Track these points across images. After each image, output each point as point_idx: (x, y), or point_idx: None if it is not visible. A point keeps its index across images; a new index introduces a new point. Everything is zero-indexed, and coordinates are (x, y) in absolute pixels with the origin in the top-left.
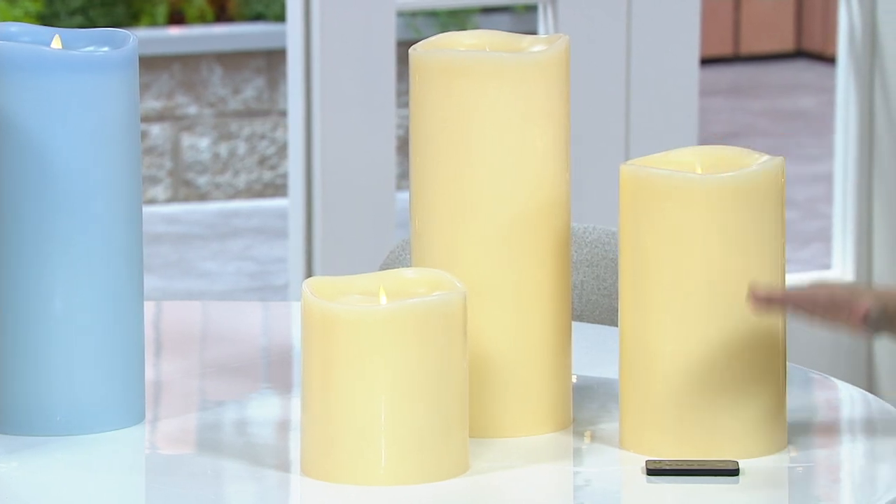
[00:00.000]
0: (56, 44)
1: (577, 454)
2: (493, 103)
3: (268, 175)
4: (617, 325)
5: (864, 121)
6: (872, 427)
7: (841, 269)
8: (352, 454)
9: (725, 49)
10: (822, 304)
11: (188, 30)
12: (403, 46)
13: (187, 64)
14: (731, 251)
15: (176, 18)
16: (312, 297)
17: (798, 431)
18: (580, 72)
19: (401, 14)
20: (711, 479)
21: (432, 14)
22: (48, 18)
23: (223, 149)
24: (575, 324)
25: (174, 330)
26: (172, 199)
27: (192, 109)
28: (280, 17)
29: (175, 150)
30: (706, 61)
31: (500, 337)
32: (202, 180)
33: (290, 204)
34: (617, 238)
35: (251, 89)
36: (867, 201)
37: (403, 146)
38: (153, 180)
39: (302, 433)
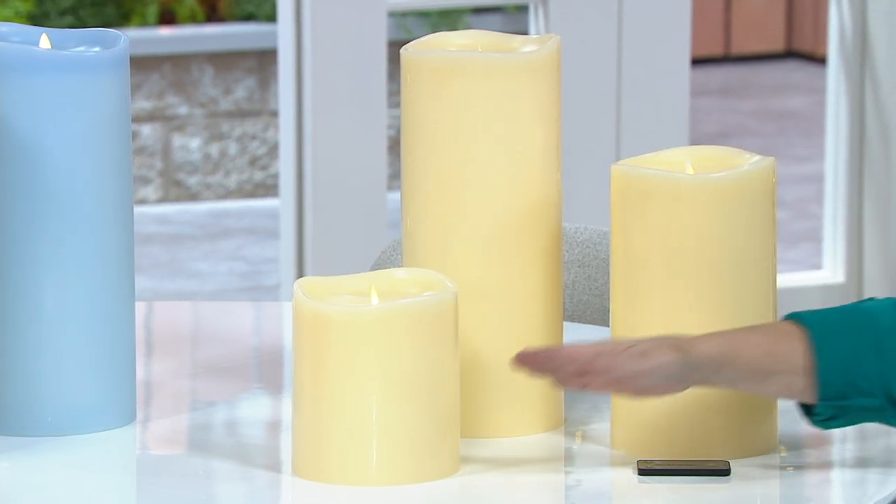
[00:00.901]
0: (45, 43)
1: (568, 454)
2: (485, 103)
3: (259, 175)
4: (608, 326)
5: (854, 121)
6: (862, 427)
7: (831, 270)
8: (343, 454)
9: (716, 49)
10: (567, 369)
11: (179, 30)
12: (394, 46)
13: (178, 64)
14: (723, 251)
15: (166, 18)
16: (304, 298)
17: (789, 432)
18: (571, 72)
19: (392, 14)
20: (702, 480)
21: (423, 14)
22: (38, 18)
23: (214, 149)
24: (566, 324)
25: (165, 330)
26: (163, 200)
27: (183, 110)
28: (271, 18)
29: (166, 151)
30: (697, 61)
31: (492, 337)
32: (193, 180)
33: (282, 204)
34: (608, 238)
35: (242, 89)
36: (858, 201)
37: (395, 146)
38: (144, 180)
39: (293, 433)
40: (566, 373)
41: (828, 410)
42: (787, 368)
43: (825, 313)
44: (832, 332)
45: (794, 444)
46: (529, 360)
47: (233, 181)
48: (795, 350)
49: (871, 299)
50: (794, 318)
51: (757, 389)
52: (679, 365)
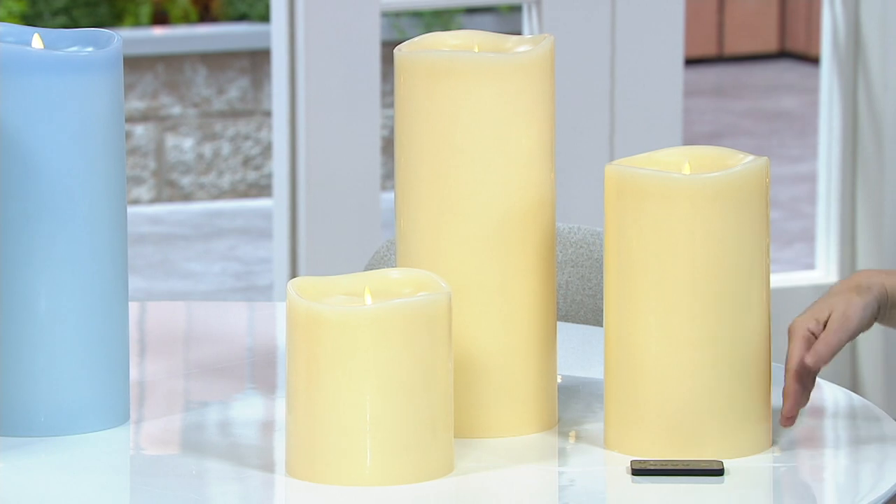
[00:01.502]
0: (37, 43)
1: (561, 454)
2: (478, 103)
3: (252, 175)
4: (602, 326)
5: (847, 121)
6: (856, 427)
7: (825, 270)
8: (337, 454)
9: (709, 50)
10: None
11: (172, 30)
12: (388, 47)
13: (171, 64)
14: (716, 251)
15: (160, 18)
16: (297, 298)
17: (782, 431)
18: (565, 72)
19: (385, 14)
20: (696, 479)
21: (417, 14)
22: (32, 18)
23: (207, 149)
24: (560, 324)
25: (158, 330)
26: (156, 200)
27: (176, 110)
28: (264, 18)
29: (159, 151)
30: (690, 62)
31: (486, 337)
32: (186, 180)
33: (275, 204)
34: (602, 238)
35: (235, 89)
36: (850, 201)
37: (388, 146)
38: (137, 181)
39: (287, 434)
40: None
41: None
42: None
43: None
44: None
45: (788, 445)
46: (794, 410)
47: (226, 181)
48: None
49: None
50: None
51: None
52: (874, 305)
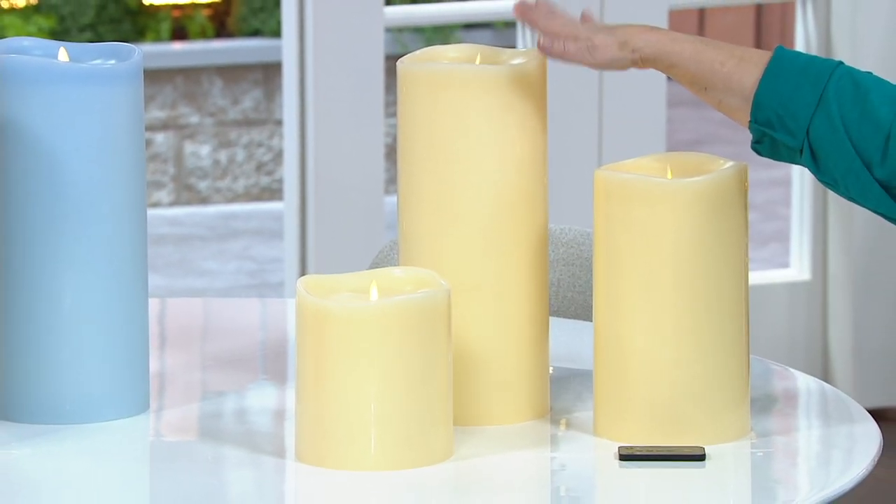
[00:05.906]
0: (63, 56)
1: (553, 441)
2: (476, 112)
3: (265, 180)
4: (591, 321)
5: None
6: (827, 415)
7: (798, 268)
8: (343, 441)
9: None
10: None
11: (190, 45)
12: (391, 60)
13: (189, 76)
14: (698, 251)
15: (179, 34)
16: (306, 295)
17: (759, 419)
18: (556, 83)
19: (389, 30)
20: (680, 464)
21: (418, 30)
22: (60, 34)
23: (223, 155)
24: (552, 319)
25: (177, 325)
26: (175, 203)
27: (194, 119)
28: (276, 33)
29: (178, 157)
30: None
31: (483, 331)
32: (203, 185)
33: (286, 207)
34: (591, 238)
35: (249, 100)
36: (822, 204)
37: (391, 153)
38: (157, 185)
39: (296, 422)
40: (542, 25)
41: (756, 132)
42: (725, 87)
43: (799, 57)
44: (790, 70)
45: (765, 432)
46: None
47: (240, 185)
48: (749, 74)
49: (841, 63)
50: (778, 50)
51: (697, 94)
52: (625, 61)
